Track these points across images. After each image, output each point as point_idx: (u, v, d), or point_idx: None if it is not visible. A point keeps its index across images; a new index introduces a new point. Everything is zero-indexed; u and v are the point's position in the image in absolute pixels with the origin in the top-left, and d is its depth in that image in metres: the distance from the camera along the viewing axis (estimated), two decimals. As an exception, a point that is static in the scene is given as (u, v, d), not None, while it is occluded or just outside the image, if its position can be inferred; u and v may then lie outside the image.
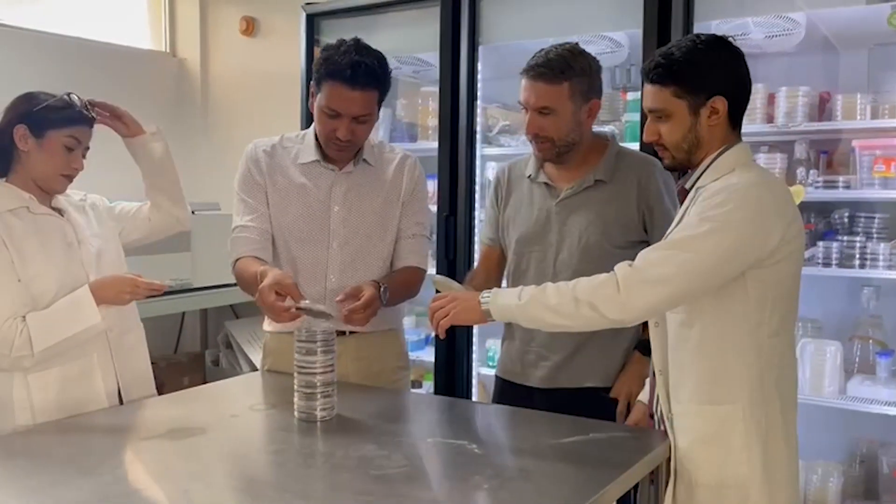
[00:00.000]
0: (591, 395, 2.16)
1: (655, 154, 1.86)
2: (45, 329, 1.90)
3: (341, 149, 2.16)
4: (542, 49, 2.10)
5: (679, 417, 1.77)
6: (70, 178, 2.04)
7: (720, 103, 1.71)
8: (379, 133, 3.50)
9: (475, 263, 2.77)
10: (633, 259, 1.81)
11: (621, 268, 1.66)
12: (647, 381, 2.01)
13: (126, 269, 2.14)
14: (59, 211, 2.08)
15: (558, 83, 2.05)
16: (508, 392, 2.27)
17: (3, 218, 1.95)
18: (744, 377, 1.69)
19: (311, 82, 2.15)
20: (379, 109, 2.17)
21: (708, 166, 1.74)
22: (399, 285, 2.19)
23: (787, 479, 1.74)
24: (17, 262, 1.93)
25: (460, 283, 2.08)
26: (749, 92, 1.77)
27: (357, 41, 2.12)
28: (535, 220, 2.21)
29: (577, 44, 2.13)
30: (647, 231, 2.16)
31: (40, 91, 2.02)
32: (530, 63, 2.09)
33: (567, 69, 2.05)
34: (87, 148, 2.05)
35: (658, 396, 1.85)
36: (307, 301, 1.93)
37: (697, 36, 1.76)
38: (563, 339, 2.13)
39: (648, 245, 2.14)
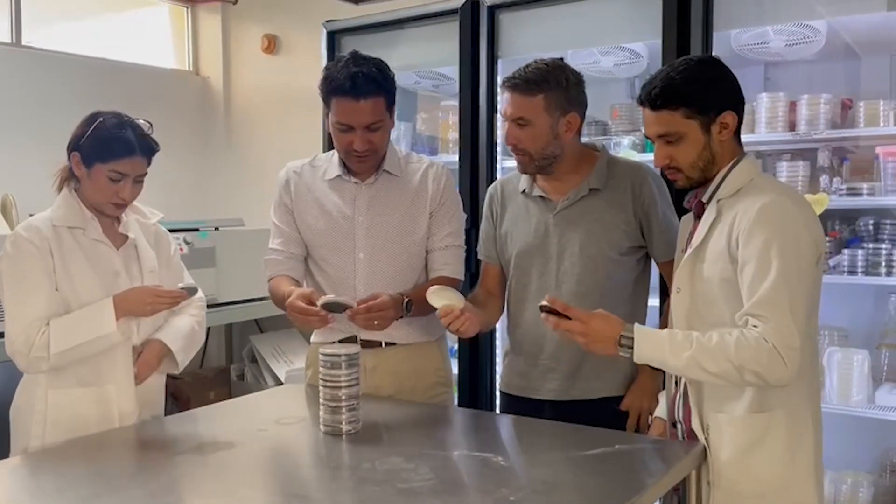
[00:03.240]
0: (603, 406, 2.15)
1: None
2: (63, 332, 1.94)
3: (362, 160, 2.19)
4: (527, 63, 2.13)
5: (721, 427, 1.76)
6: (121, 206, 2.05)
7: (730, 118, 1.76)
8: (401, 146, 3.52)
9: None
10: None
11: (764, 333, 1.61)
12: (661, 396, 2.01)
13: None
14: (125, 238, 2.09)
15: (532, 95, 2.07)
16: (516, 407, 2.25)
17: (59, 231, 2.00)
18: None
19: (323, 104, 2.17)
20: (391, 115, 2.18)
21: (723, 179, 1.77)
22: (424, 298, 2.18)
23: (818, 483, 1.76)
24: (59, 272, 1.97)
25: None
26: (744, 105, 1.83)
27: (354, 53, 2.15)
28: (534, 234, 2.21)
29: (561, 58, 2.15)
30: (644, 237, 2.17)
31: (102, 112, 2.01)
32: (509, 75, 2.12)
33: (542, 82, 2.07)
34: (144, 174, 2.04)
35: (681, 408, 1.85)
36: (330, 295, 2.00)
37: (690, 58, 1.82)
38: (570, 350, 2.11)
39: (647, 250, 2.16)
